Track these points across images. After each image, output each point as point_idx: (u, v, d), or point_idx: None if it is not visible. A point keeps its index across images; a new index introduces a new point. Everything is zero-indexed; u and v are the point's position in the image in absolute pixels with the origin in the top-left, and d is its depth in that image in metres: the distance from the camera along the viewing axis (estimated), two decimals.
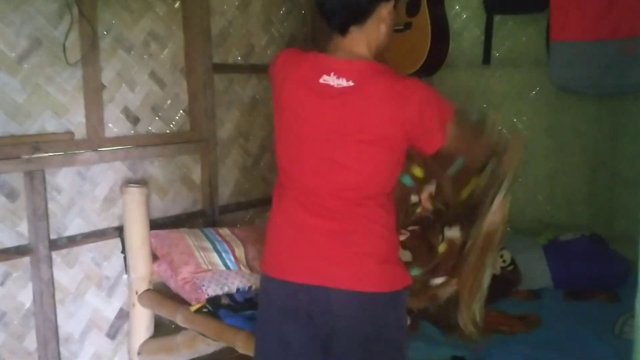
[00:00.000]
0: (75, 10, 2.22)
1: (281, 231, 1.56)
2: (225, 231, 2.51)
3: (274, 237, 1.58)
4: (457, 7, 2.91)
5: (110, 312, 2.47)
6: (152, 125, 2.58)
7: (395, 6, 1.57)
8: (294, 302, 1.51)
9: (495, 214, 1.68)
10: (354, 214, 1.48)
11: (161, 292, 2.34)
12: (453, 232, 1.81)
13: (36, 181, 2.16)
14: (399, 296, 1.51)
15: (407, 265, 1.69)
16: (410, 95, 1.44)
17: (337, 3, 1.49)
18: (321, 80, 1.47)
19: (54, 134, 2.23)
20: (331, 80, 1.47)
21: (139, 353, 2.39)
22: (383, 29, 1.54)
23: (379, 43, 1.56)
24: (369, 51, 1.54)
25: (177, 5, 2.63)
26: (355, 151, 1.46)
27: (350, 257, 1.47)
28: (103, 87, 2.38)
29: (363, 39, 1.52)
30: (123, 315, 2.49)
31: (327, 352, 1.51)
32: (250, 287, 2.26)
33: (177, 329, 2.26)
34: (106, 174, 2.42)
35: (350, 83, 1.45)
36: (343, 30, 1.52)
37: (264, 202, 2.82)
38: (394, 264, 1.52)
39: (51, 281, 2.23)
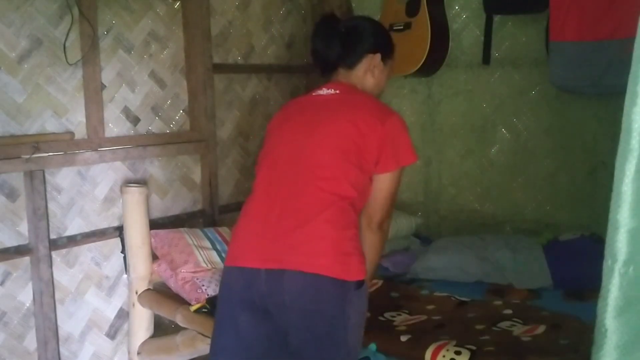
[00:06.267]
0: (76, 10, 2.23)
1: (241, 225, 1.66)
2: (225, 230, 2.51)
3: (233, 232, 1.67)
4: (457, 7, 2.90)
5: (110, 312, 2.47)
6: (152, 125, 2.58)
7: (385, 60, 1.73)
8: (252, 291, 1.52)
9: None
10: (314, 209, 1.51)
11: (161, 292, 2.35)
12: None
13: (36, 181, 2.16)
14: (349, 287, 1.49)
15: None
16: (390, 116, 1.59)
17: (329, 48, 1.68)
18: (313, 94, 1.68)
19: (54, 133, 2.23)
20: (321, 91, 1.67)
21: (138, 353, 2.39)
22: (370, 79, 1.70)
23: (369, 91, 1.71)
24: None
25: (177, 5, 2.64)
26: (329, 151, 1.55)
27: (303, 241, 1.49)
28: (103, 87, 2.38)
29: (352, 81, 1.70)
30: (123, 315, 2.49)
31: (284, 345, 1.53)
32: None
33: (177, 329, 2.26)
34: (106, 174, 2.42)
35: (337, 91, 1.65)
36: (329, 70, 1.71)
37: None
38: (347, 255, 1.50)
39: (51, 281, 2.24)
